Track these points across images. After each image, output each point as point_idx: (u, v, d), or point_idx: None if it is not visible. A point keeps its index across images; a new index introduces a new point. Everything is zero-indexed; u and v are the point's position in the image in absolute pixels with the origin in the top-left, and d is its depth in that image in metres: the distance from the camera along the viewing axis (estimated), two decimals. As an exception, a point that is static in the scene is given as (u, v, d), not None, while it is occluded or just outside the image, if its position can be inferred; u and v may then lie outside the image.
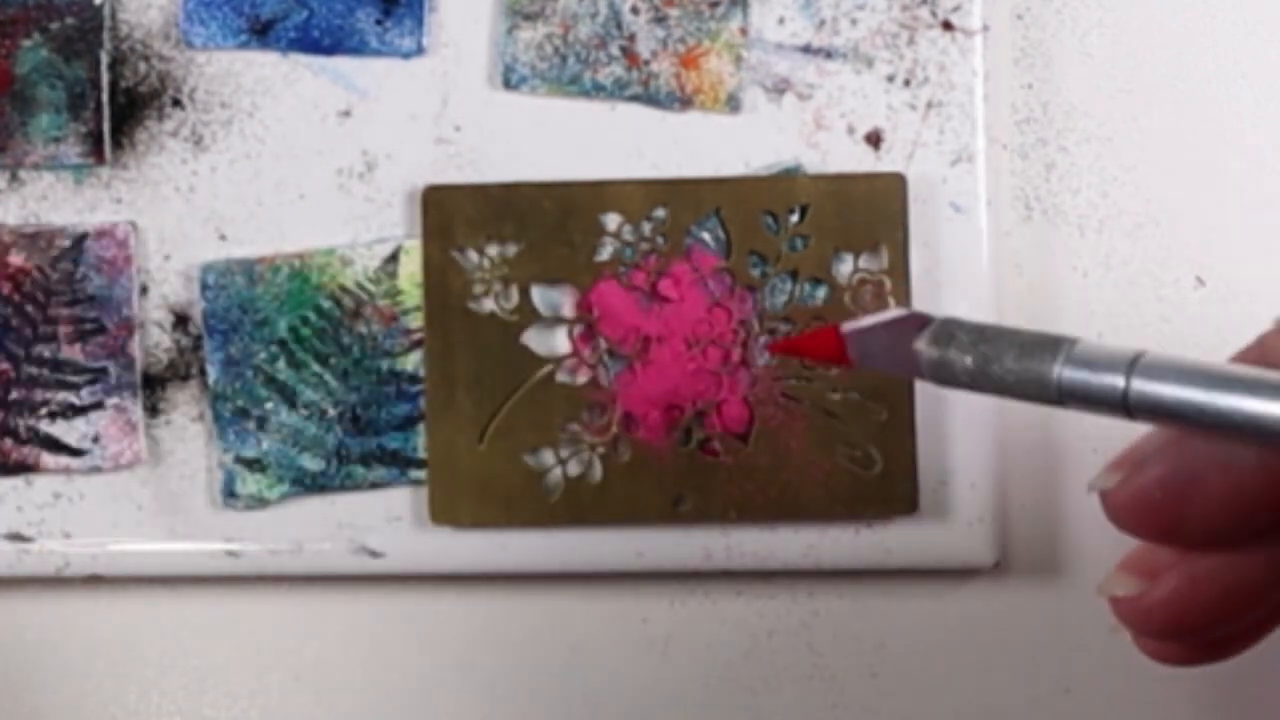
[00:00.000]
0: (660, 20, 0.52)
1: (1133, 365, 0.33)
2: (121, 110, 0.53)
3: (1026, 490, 0.53)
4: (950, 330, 0.36)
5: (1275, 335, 0.33)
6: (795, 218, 0.51)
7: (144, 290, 0.53)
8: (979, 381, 0.36)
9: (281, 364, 0.53)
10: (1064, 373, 0.34)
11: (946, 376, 0.36)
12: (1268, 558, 0.34)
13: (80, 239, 0.53)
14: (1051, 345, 0.35)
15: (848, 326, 0.38)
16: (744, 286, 0.51)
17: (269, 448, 0.52)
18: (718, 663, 0.54)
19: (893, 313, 0.37)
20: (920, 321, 0.37)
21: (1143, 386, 0.33)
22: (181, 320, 0.53)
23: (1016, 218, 0.53)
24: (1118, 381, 0.33)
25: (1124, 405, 0.33)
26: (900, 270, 0.51)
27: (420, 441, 0.52)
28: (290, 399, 0.52)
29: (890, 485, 0.51)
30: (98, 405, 0.53)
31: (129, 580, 0.54)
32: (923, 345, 0.37)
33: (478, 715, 0.55)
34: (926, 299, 0.51)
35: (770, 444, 0.51)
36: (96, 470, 0.53)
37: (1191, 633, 0.36)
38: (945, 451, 0.51)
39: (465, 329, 0.52)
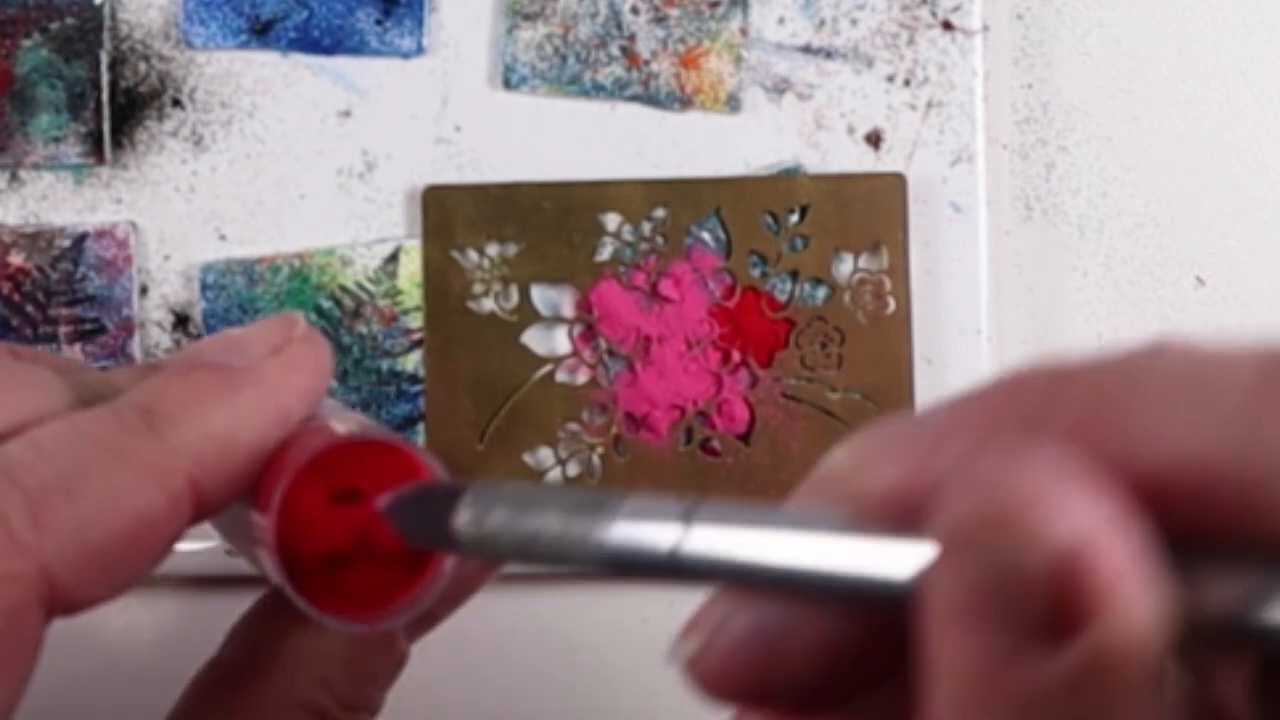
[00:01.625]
0: (660, 20, 0.52)
1: (689, 517, 0.27)
2: (121, 110, 0.53)
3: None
4: (487, 500, 0.31)
5: (827, 466, 0.28)
6: (795, 218, 0.51)
7: (144, 290, 0.53)
8: (525, 554, 0.30)
9: (281, 364, 0.53)
10: (612, 535, 0.28)
11: (490, 551, 0.31)
12: (878, 712, 0.28)
13: (80, 239, 0.53)
14: (597, 504, 0.28)
15: (382, 502, 0.34)
16: (744, 286, 0.52)
17: (269, 448, 0.53)
18: (718, 663, 0.54)
19: (422, 485, 0.33)
20: (454, 492, 0.32)
21: (696, 546, 0.27)
22: (181, 320, 0.53)
23: (1016, 218, 0.53)
24: (667, 541, 0.27)
25: (674, 570, 0.27)
26: (900, 270, 0.51)
27: (420, 441, 0.52)
28: (290, 399, 0.52)
29: (890, 485, 0.51)
30: (98, 405, 0.53)
31: (129, 580, 0.54)
32: (461, 519, 0.31)
33: (478, 715, 0.55)
34: (926, 299, 0.51)
35: (770, 444, 0.51)
36: (96, 470, 0.53)
37: None
38: (945, 451, 0.51)
39: (465, 329, 0.52)
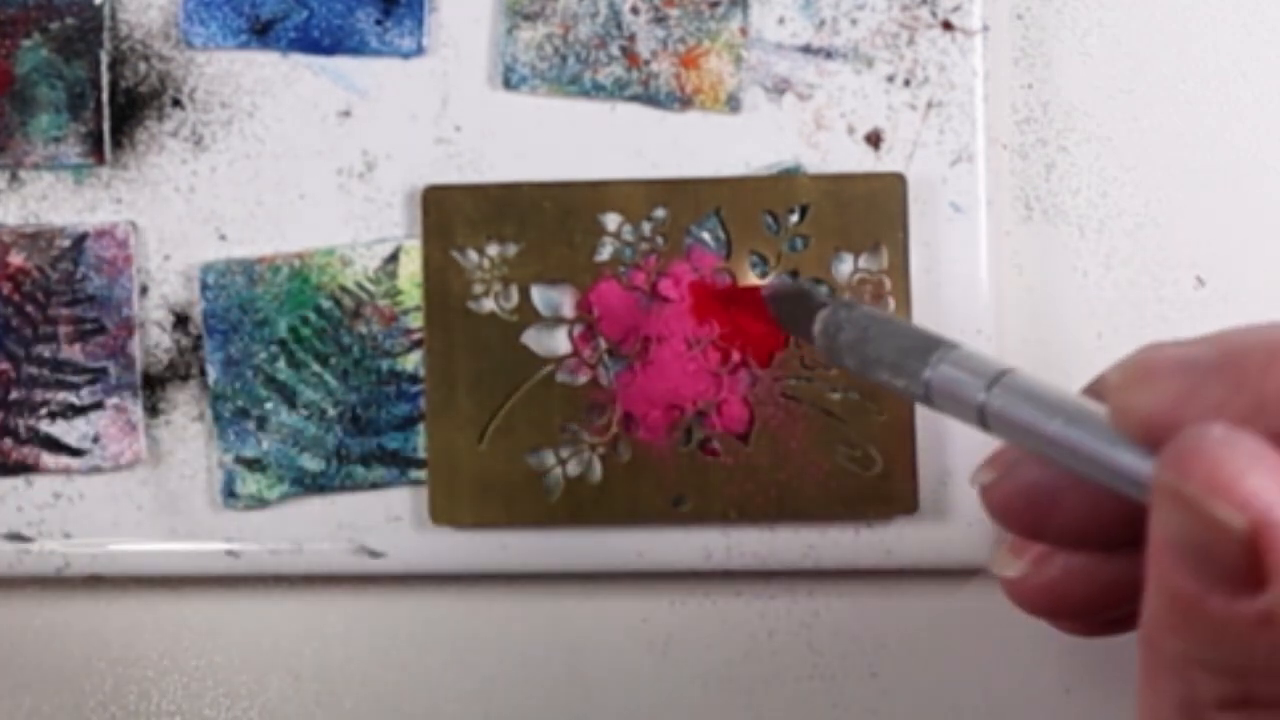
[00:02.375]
0: (660, 20, 0.52)
1: (994, 382, 0.34)
2: (121, 110, 0.53)
3: None
4: (838, 321, 0.38)
5: (1111, 373, 0.34)
6: (795, 218, 0.51)
7: (144, 290, 0.53)
8: (862, 372, 0.38)
9: (281, 364, 0.53)
10: (934, 376, 0.35)
11: (836, 361, 0.38)
12: (1134, 561, 0.35)
13: (80, 239, 0.53)
14: (930, 347, 0.36)
15: (766, 288, 0.41)
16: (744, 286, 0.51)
17: (269, 448, 0.52)
18: (718, 663, 0.54)
19: (797, 284, 0.39)
20: (816, 304, 0.38)
21: (998, 405, 0.34)
22: (181, 320, 0.53)
23: (1016, 218, 0.53)
24: (977, 395, 0.34)
25: (981, 419, 0.34)
26: (900, 270, 0.51)
27: (420, 441, 0.52)
28: (290, 399, 0.52)
29: (890, 485, 0.51)
30: (98, 405, 0.53)
31: (129, 580, 0.54)
32: (817, 327, 0.38)
33: (478, 715, 0.55)
34: (926, 299, 0.51)
35: (770, 444, 0.51)
36: (96, 470, 0.53)
37: (1072, 617, 0.39)
38: (945, 451, 0.51)
39: (465, 329, 0.52)
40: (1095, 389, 0.36)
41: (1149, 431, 0.31)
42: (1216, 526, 0.29)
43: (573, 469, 0.52)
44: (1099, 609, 0.39)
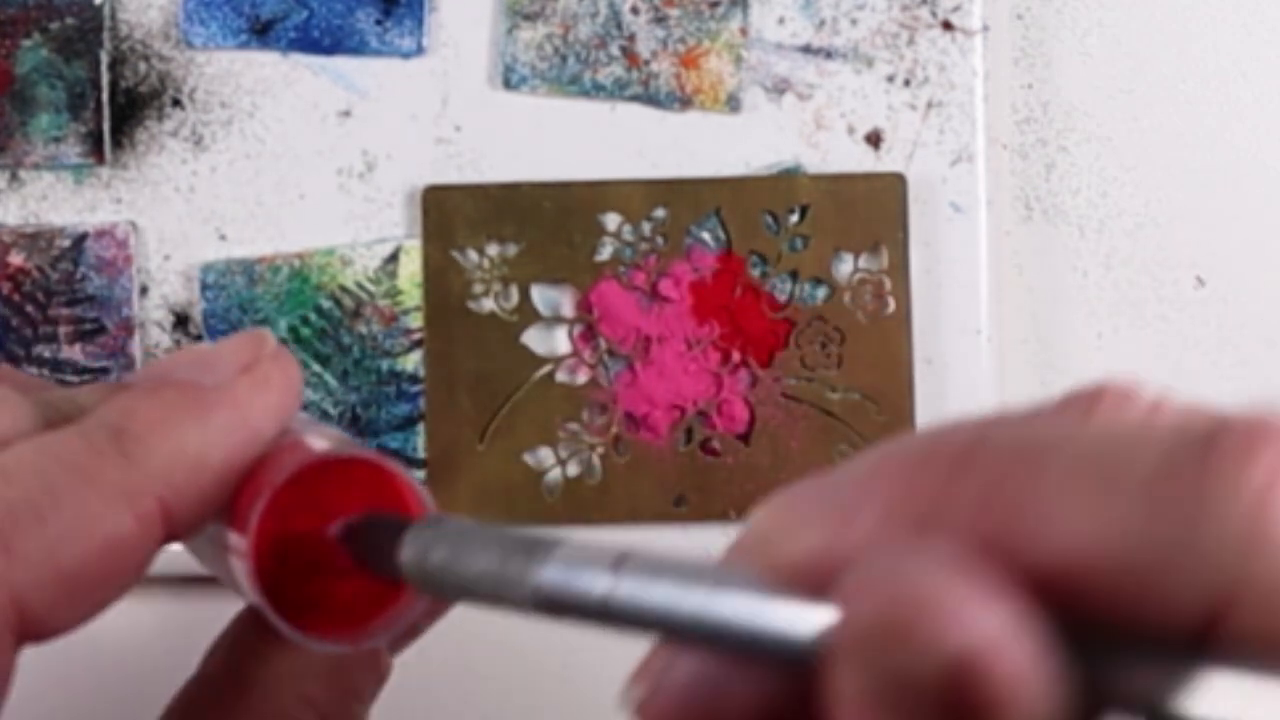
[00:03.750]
0: (660, 20, 0.52)
1: (618, 565, 0.28)
2: (121, 110, 0.53)
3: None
4: (426, 539, 0.31)
5: (742, 536, 0.28)
6: (795, 218, 0.51)
7: (144, 290, 0.53)
8: (462, 594, 0.31)
9: (281, 364, 0.53)
10: (545, 575, 0.29)
11: (432, 588, 0.32)
12: None
13: (80, 239, 0.53)
14: (533, 546, 0.29)
15: (335, 528, 0.34)
16: (744, 286, 0.52)
17: (269, 448, 0.52)
18: (718, 663, 0.54)
19: (377, 516, 0.33)
20: (399, 526, 0.32)
21: (626, 591, 0.28)
22: (181, 320, 0.53)
23: (1016, 218, 0.53)
24: (597, 586, 0.28)
25: (605, 612, 0.29)
26: (900, 270, 0.51)
27: (420, 441, 0.52)
28: (290, 399, 0.52)
29: (890, 485, 0.51)
30: (98, 405, 0.53)
31: (129, 580, 0.54)
32: (405, 554, 0.32)
33: (478, 715, 0.55)
34: (926, 299, 0.51)
35: (770, 444, 0.51)
36: (96, 470, 0.53)
37: None
38: (945, 451, 0.51)
39: (465, 329, 0.52)
40: (735, 555, 0.28)
41: (810, 582, 0.25)
42: (913, 673, 0.23)
43: (573, 469, 0.52)
44: None
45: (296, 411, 0.36)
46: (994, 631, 0.23)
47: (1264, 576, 0.23)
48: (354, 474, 0.34)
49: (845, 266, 0.51)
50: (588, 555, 0.29)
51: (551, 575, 0.29)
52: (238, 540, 0.33)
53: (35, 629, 0.32)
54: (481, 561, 0.30)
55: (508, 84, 0.52)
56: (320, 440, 0.35)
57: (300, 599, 0.34)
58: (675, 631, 0.27)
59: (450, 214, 0.52)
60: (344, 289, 0.53)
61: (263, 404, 0.34)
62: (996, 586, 0.23)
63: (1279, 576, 0.23)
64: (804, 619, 0.25)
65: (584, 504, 0.52)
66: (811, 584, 0.25)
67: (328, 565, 0.35)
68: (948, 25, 0.52)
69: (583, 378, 0.52)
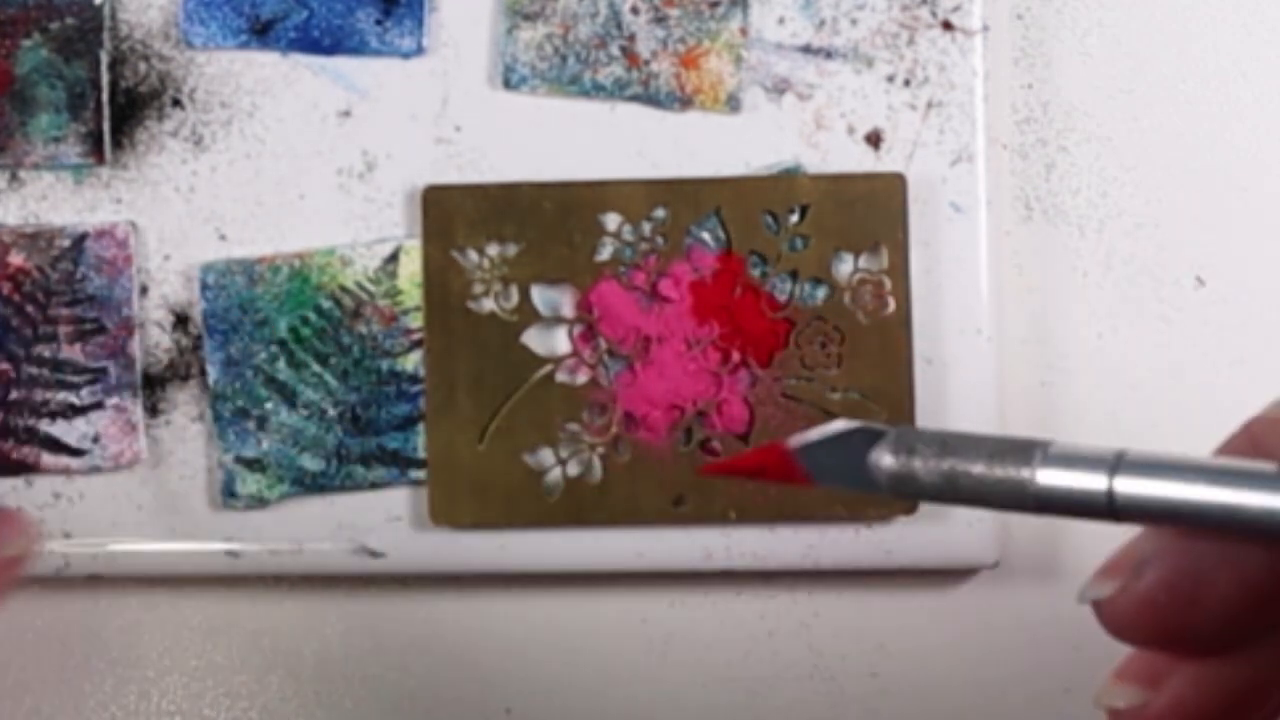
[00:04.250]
0: (660, 20, 0.52)
1: (1115, 465, 0.31)
2: (121, 110, 0.53)
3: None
4: (909, 441, 0.33)
5: (1263, 422, 0.31)
6: (795, 218, 0.51)
7: (144, 290, 0.53)
8: (947, 493, 0.33)
9: (281, 364, 0.53)
10: (1040, 478, 0.31)
11: (911, 489, 0.34)
12: (1272, 655, 0.32)
13: (80, 239, 0.53)
14: (1024, 449, 0.32)
15: (794, 441, 0.35)
16: (744, 286, 0.51)
17: (269, 448, 0.52)
18: (718, 663, 0.54)
19: (840, 425, 0.34)
20: (873, 434, 0.34)
21: (1129, 488, 0.30)
22: (181, 320, 0.53)
23: (1016, 218, 0.53)
24: (1100, 484, 0.31)
25: (1110, 509, 0.31)
26: (900, 270, 0.51)
27: (420, 441, 0.52)
28: (290, 399, 0.52)
29: (890, 485, 0.51)
30: (98, 405, 0.53)
31: (129, 580, 0.54)
32: (883, 458, 0.34)
33: (478, 715, 0.55)
34: (926, 299, 0.51)
35: (770, 444, 0.51)
36: (96, 470, 0.53)
37: None
38: (945, 451, 0.51)
39: (465, 329, 0.52)
40: (1236, 443, 0.32)
41: None
42: None
43: (573, 469, 0.52)
44: None
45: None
46: None
47: None
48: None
49: (845, 266, 0.51)
50: (1083, 456, 0.31)
51: (1050, 477, 0.31)
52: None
53: None
54: (970, 463, 0.32)
55: (508, 84, 0.52)
56: None
57: None
58: (1180, 520, 0.30)
59: (450, 214, 0.52)
60: (344, 289, 0.53)
61: None
62: None
63: None
64: None
65: (584, 504, 0.52)
66: None
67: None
68: (948, 25, 0.52)
69: (583, 378, 0.52)
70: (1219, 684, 0.32)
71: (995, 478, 0.32)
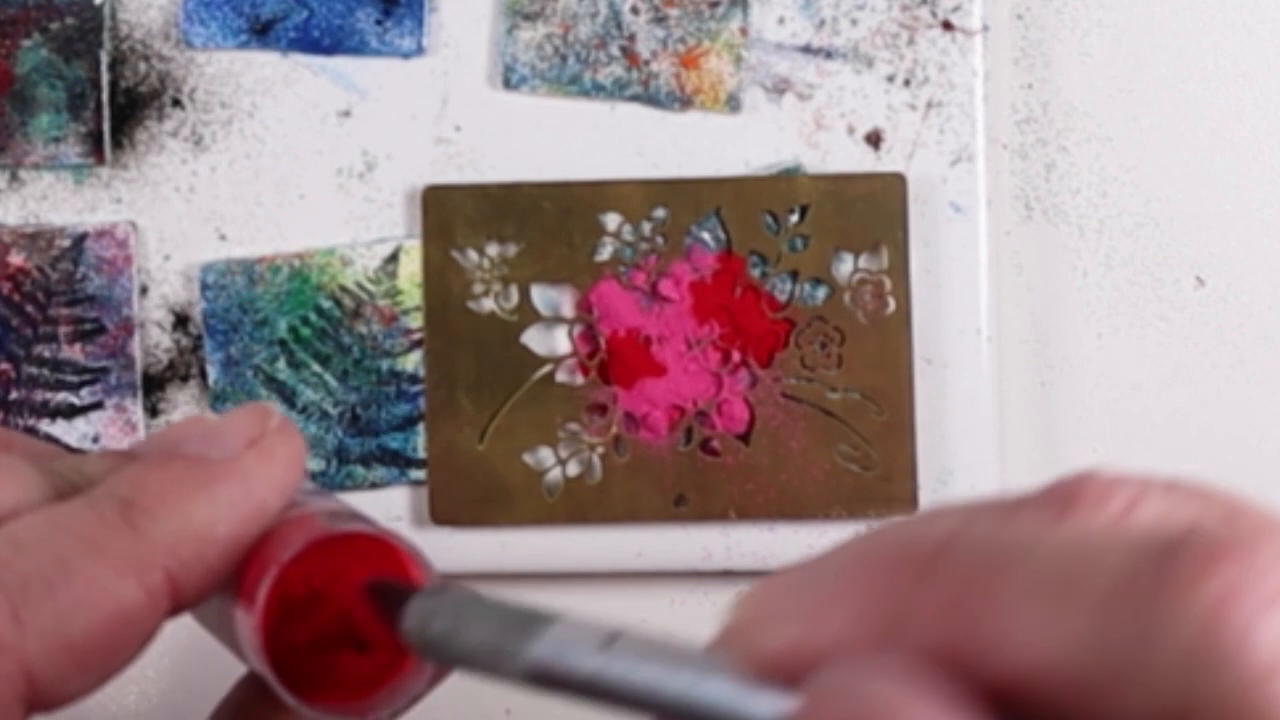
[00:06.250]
0: (660, 20, 0.52)
1: (608, 643, 0.30)
2: (121, 110, 0.53)
3: (1026, 490, 0.53)
4: (428, 609, 0.33)
5: (728, 615, 0.30)
6: (795, 218, 0.51)
7: (144, 290, 0.53)
8: (459, 663, 0.33)
9: (281, 364, 0.53)
10: (539, 649, 0.31)
11: (431, 654, 0.34)
12: None
13: (80, 239, 0.53)
14: (529, 620, 0.31)
15: (370, 583, 0.34)
16: (744, 286, 0.52)
17: (269, 448, 0.52)
18: (718, 663, 0.54)
19: (382, 581, 0.34)
20: (406, 593, 0.33)
21: (617, 669, 0.30)
22: (181, 320, 0.53)
23: (1016, 218, 0.53)
24: (588, 662, 0.30)
25: (593, 688, 0.30)
26: (900, 270, 0.51)
27: (420, 441, 0.52)
28: (290, 399, 0.52)
29: (890, 485, 0.51)
30: (98, 405, 0.53)
31: (129, 580, 0.54)
32: (408, 623, 0.33)
33: (478, 715, 0.55)
34: (926, 299, 0.51)
35: (770, 444, 0.51)
36: (96, 470, 0.53)
37: None
38: (945, 451, 0.51)
39: (465, 329, 0.52)
40: (719, 644, 0.31)
41: (785, 673, 0.27)
42: None
43: (573, 469, 0.52)
44: None
45: (301, 484, 0.36)
46: None
47: (1214, 696, 0.23)
48: (357, 545, 0.35)
49: (845, 266, 0.51)
50: (580, 634, 0.30)
51: (543, 651, 0.30)
52: (245, 614, 0.34)
53: (44, 698, 0.33)
54: (479, 633, 0.32)
55: (508, 84, 0.52)
56: (325, 511, 0.35)
57: (306, 670, 0.35)
58: (657, 710, 0.29)
59: (450, 214, 0.52)
60: (344, 289, 0.53)
61: (268, 478, 0.35)
62: (951, 703, 0.24)
63: (1229, 696, 0.23)
64: (774, 710, 0.27)
65: (584, 504, 0.52)
66: (786, 675, 0.27)
67: (333, 636, 0.35)
68: (948, 25, 0.52)
69: (582, 378, 0.52)
70: None
71: (497, 653, 0.32)
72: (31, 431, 0.53)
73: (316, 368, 0.53)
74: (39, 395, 0.53)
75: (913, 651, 0.25)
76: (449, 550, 0.52)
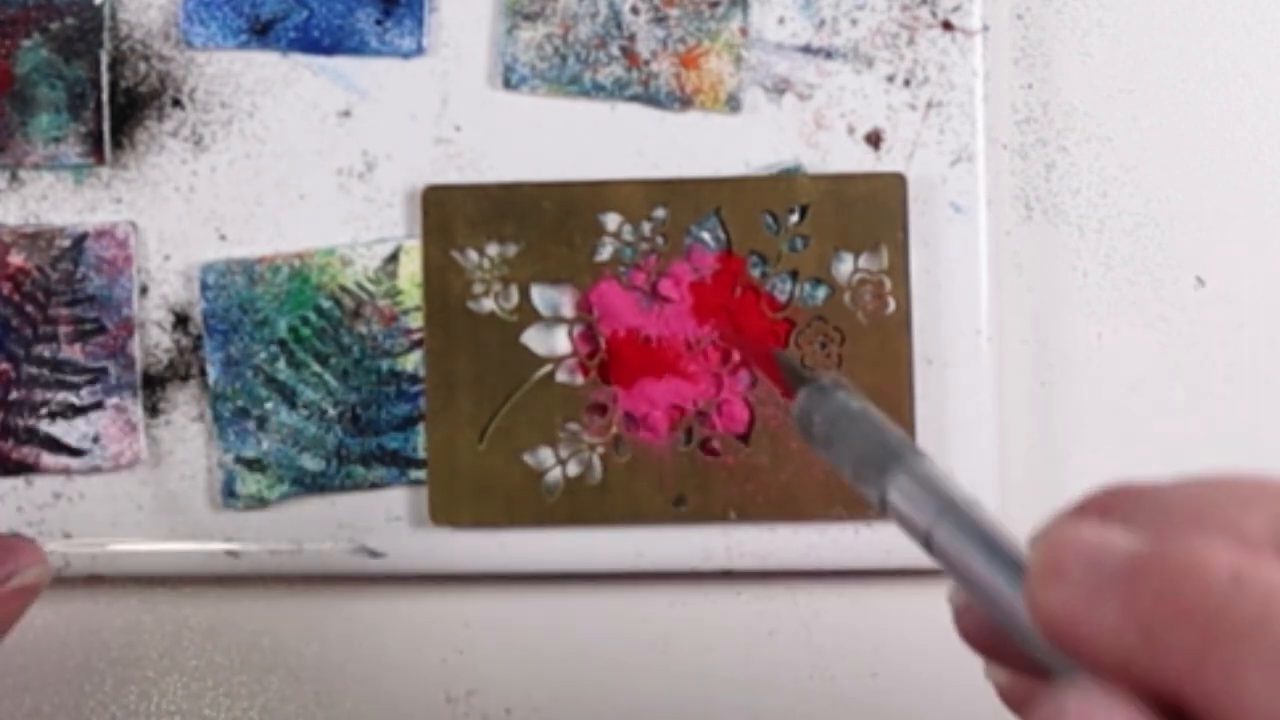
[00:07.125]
0: (660, 20, 0.52)
1: (939, 515, 0.33)
2: (121, 110, 0.53)
3: (1026, 489, 0.53)
4: (811, 406, 0.37)
5: (1033, 542, 0.33)
6: (795, 218, 0.51)
7: (144, 290, 0.53)
8: (831, 466, 0.36)
9: (281, 364, 0.53)
10: (889, 491, 0.34)
11: (811, 445, 0.37)
12: None
13: (80, 239, 0.53)
14: (887, 461, 0.34)
15: (778, 351, 0.39)
16: (744, 286, 0.51)
17: (269, 448, 0.53)
18: (718, 663, 0.54)
19: (805, 371, 0.38)
20: (817, 386, 0.37)
21: (943, 538, 0.33)
22: (181, 320, 0.53)
23: (1016, 218, 0.53)
24: (924, 522, 0.33)
25: (929, 548, 0.33)
26: (900, 270, 0.51)
27: (420, 441, 0.52)
28: (290, 399, 0.52)
29: (890, 485, 0.51)
30: (98, 405, 0.53)
31: (129, 580, 0.54)
32: (794, 409, 0.37)
33: (477, 715, 0.55)
34: (926, 299, 0.51)
35: (770, 444, 0.51)
36: (96, 470, 0.53)
37: None
38: (945, 451, 0.51)
39: (465, 329, 0.52)
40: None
41: (1054, 631, 0.30)
42: None
43: (573, 469, 0.52)
44: None
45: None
46: None
47: None
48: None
49: (845, 266, 0.51)
50: (923, 491, 0.33)
51: (892, 496, 0.34)
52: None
53: None
54: (847, 454, 0.35)
55: (508, 84, 0.52)
56: None
57: None
58: (963, 583, 0.33)
59: (450, 214, 0.52)
60: (344, 289, 0.53)
61: None
62: None
63: None
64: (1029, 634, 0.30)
65: (584, 504, 0.52)
66: (1055, 634, 0.30)
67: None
68: (948, 25, 0.52)
69: (582, 378, 0.52)
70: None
71: (858, 477, 0.35)
72: (31, 432, 0.53)
73: (316, 367, 0.53)
74: (39, 395, 0.53)
75: (1145, 695, 0.28)
76: (449, 550, 0.52)
